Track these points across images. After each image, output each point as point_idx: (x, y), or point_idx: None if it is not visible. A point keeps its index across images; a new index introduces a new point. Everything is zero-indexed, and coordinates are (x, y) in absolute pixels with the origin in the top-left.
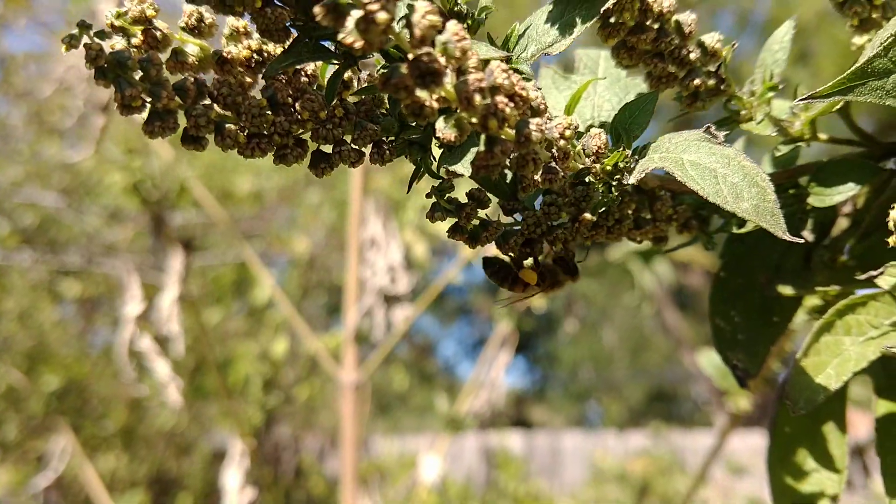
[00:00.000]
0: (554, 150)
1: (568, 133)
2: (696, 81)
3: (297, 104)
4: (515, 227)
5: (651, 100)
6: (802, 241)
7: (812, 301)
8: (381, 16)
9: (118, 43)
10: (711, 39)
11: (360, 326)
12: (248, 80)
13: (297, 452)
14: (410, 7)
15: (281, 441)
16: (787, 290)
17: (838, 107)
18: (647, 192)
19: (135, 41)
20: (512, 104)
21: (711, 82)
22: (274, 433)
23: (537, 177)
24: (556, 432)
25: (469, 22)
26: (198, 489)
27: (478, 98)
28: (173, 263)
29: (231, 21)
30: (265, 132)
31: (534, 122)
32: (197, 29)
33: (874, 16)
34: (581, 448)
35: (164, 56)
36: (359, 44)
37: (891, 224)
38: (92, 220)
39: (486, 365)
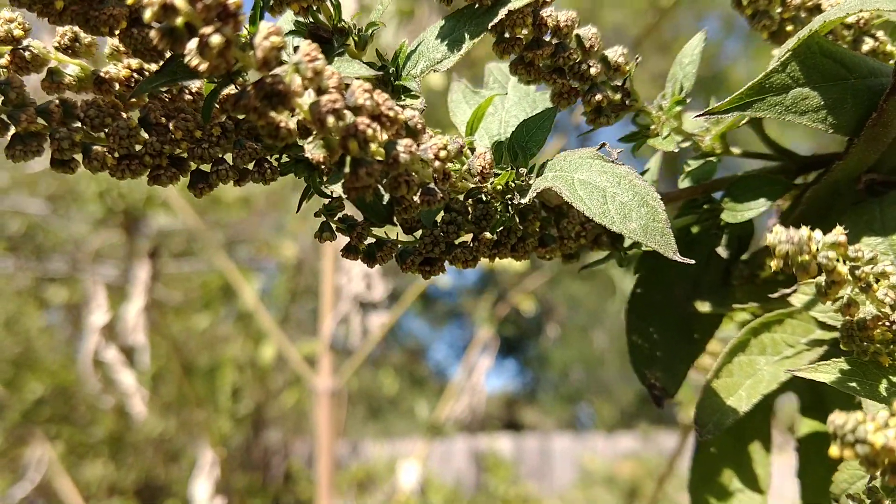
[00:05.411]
0: (433, 172)
1: (443, 154)
2: (598, 97)
3: (170, 124)
4: (414, 246)
5: (548, 117)
6: (692, 262)
7: (742, 315)
8: (215, 39)
9: None
10: (614, 54)
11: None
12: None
13: (286, 457)
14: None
15: (270, 446)
16: (704, 306)
17: (745, 121)
18: (552, 209)
19: (2, 62)
20: (377, 125)
21: (617, 97)
22: (263, 438)
23: (416, 198)
24: (546, 435)
25: (355, 38)
26: (185, 496)
27: (331, 119)
28: (139, 273)
29: (111, 40)
30: (136, 153)
31: (402, 144)
32: (71, 49)
33: (788, 28)
34: (570, 450)
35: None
36: (202, 67)
37: (770, 246)
38: (79, 226)
39: (468, 370)
